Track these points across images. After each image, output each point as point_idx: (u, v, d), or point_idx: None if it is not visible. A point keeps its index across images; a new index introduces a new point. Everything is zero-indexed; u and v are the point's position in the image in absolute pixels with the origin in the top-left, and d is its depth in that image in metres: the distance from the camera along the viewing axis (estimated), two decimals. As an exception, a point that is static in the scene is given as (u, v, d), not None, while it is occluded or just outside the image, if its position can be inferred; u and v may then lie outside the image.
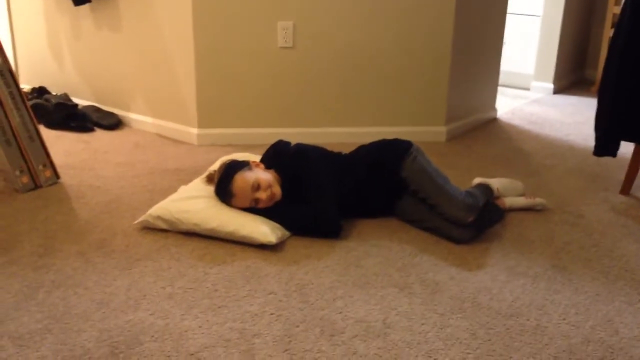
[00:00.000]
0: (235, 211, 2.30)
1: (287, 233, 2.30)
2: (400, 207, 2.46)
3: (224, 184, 2.31)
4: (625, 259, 2.22)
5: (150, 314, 1.82)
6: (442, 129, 3.49)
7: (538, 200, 2.60)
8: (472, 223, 2.29)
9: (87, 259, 2.12)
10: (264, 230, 2.22)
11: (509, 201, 2.56)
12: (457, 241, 2.28)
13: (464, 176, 2.88)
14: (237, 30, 3.21)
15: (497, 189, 2.54)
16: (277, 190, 2.33)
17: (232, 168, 2.32)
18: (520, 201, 2.58)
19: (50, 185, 2.73)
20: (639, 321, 1.85)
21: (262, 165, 2.41)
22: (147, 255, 2.15)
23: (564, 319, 1.84)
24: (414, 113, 3.44)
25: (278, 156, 2.46)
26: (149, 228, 2.34)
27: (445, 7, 3.27)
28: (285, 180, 2.38)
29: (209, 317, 1.81)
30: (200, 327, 1.77)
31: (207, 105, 3.29)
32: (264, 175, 2.33)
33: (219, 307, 1.86)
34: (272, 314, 1.83)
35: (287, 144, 2.51)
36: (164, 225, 2.32)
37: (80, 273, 2.03)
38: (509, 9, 3.89)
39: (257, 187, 2.29)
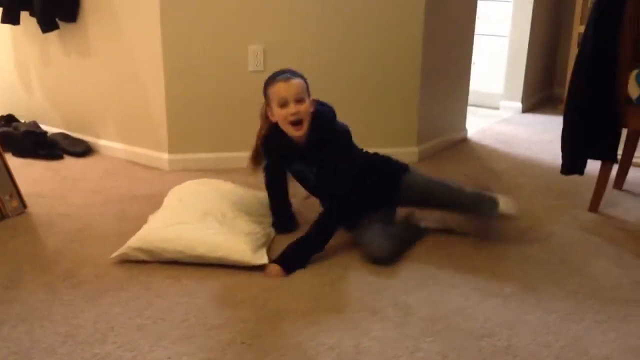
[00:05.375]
0: (223, 234, 2.25)
1: None
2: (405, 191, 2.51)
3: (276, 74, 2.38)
4: (594, 276, 2.25)
5: (118, 347, 1.78)
6: (414, 150, 3.52)
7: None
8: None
9: (54, 291, 2.08)
10: (256, 252, 2.21)
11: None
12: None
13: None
14: (207, 54, 3.21)
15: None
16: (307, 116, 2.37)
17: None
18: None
19: (18, 215, 2.68)
20: (608, 340, 1.86)
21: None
22: (116, 285, 2.12)
23: (534, 340, 1.85)
24: (386, 134, 3.46)
25: (324, 119, 2.43)
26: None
27: (414, 29, 3.31)
28: (312, 140, 2.39)
29: (179, 347, 1.78)
30: (169, 358, 1.73)
31: (177, 130, 3.28)
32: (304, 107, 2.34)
33: (189, 338, 1.83)
34: (243, 342, 1.81)
35: (335, 116, 2.50)
36: (144, 257, 2.23)
37: (47, 306, 1.99)
38: (477, 30, 3.95)
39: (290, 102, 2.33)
